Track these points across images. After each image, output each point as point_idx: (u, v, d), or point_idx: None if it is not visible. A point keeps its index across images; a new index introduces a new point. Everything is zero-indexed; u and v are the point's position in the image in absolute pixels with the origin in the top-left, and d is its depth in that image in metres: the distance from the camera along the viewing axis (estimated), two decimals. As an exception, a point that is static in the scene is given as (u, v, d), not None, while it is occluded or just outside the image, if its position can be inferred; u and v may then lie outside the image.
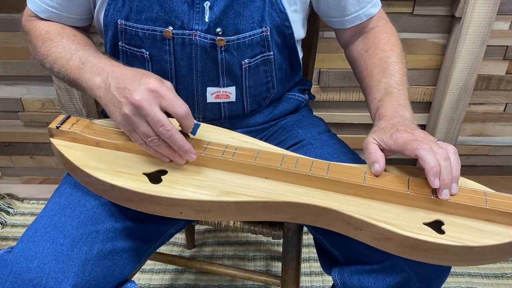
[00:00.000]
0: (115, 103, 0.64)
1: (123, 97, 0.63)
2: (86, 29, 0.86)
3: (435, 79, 1.36)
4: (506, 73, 1.35)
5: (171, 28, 0.75)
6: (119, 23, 0.77)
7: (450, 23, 1.27)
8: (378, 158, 0.65)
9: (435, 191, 0.62)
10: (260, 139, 0.83)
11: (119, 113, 0.63)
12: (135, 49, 0.79)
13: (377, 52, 0.81)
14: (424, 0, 1.23)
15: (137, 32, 0.77)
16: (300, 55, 0.90)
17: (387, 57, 0.80)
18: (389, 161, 0.67)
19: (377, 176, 0.65)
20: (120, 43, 0.79)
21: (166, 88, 0.64)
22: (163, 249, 1.34)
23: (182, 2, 0.74)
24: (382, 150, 0.67)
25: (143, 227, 0.75)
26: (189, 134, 0.68)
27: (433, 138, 0.65)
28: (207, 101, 0.82)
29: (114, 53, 0.82)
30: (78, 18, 0.82)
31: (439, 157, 0.61)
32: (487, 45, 1.25)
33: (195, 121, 0.67)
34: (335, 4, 0.83)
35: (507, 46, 1.30)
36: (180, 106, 0.63)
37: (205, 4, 0.75)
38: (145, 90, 0.62)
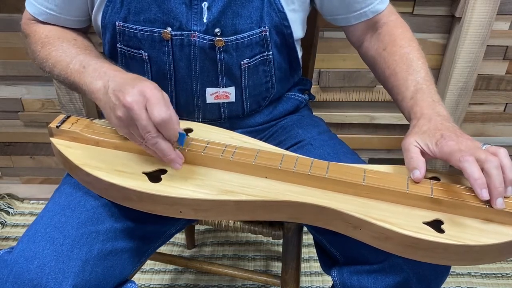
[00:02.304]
0: (111, 106, 0.64)
1: (118, 99, 0.63)
2: (85, 30, 0.85)
3: (435, 79, 1.36)
4: (506, 73, 1.35)
5: (169, 29, 0.75)
6: (117, 24, 0.77)
7: (450, 23, 1.27)
8: (419, 165, 0.64)
9: (433, 191, 0.62)
10: (260, 139, 0.83)
11: (114, 115, 0.64)
12: (133, 50, 0.79)
13: (396, 49, 0.80)
14: (424, 0, 1.23)
15: (135, 34, 0.77)
16: (300, 54, 0.89)
17: (407, 53, 0.79)
18: (389, 161, 0.67)
19: (417, 183, 0.64)
20: (118, 45, 0.79)
21: (155, 93, 0.62)
22: (163, 249, 1.34)
23: (180, 3, 0.74)
24: (423, 154, 0.65)
25: (143, 227, 0.75)
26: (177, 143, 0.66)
27: (479, 145, 0.63)
28: (207, 102, 0.82)
29: (112, 54, 0.82)
30: (76, 20, 0.82)
31: (490, 165, 0.59)
32: (487, 45, 1.25)
33: (181, 131, 0.65)
34: (340, 1, 0.82)
35: (507, 46, 1.30)
36: (158, 112, 0.60)
37: (203, 5, 0.75)
38: (137, 92, 0.61)
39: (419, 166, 0.64)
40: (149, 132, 0.61)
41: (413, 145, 0.66)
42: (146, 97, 0.61)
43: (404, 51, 0.79)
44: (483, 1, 1.17)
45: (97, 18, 0.80)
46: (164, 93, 0.64)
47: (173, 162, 0.65)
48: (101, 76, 0.68)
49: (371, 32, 0.85)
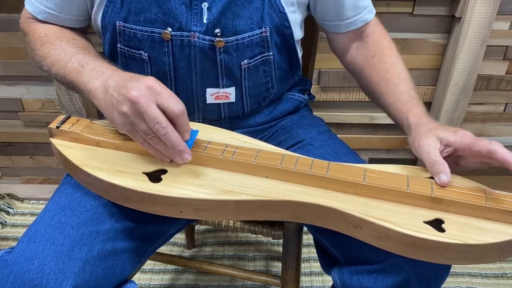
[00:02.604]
0: (113, 103, 0.64)
1: (121, 95, 0.62)
2: (85, 30, 0.85)
3: (435, 79, 1.36)
4: (506, 73, 1.35)
5: (169, 29, 0.75)
6: (117, 24, 0.77)
7: (450, 23, 1.27)
8: (445, 169, 0.64)
9: (434, 190, 0.62)
10: (260, 139, 0.83)
11: (118, 112, 0.63)
12: (133, 51, 0.79)
13: (385, 58, 0.82)
14: (424, 0, 1.23)
15: (135, 34, 0.77)
16: (300, 53, 0.89)
17: (396, 63, 0.81)
18: (389, 161, 0.67)
19: (443, 187, 0.64)
20: (118, 45, 0.79)
21: (164, 87, 0.63)
22: (163, 249, 1.34)
23: (180, 3, 0.74)
24: (441, 151, 0.66)
25: (143, 227, 0.74)
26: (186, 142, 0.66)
27: None
28: (207, 102, 0.82)
29: (112, 55, 0.82)
30: (75, 19, 0.82)
31: None
32: (487, 45, 1.25)
33: (192, 128, 0.66)
34: (332, 7, 0.83)
35: (507, 46, 1.30)
36: (176, 104, 0.62)
37: (203, 5, 0.75)
38: (143, 86, 0.62)
39: (445, 170, 0.64)
40: (159, 123, 0.61)
41: (432, 146, 0.66)
42: (157, 91, 0.62)
43: (394, 61, 0.82)
44: (483, 1, 1.17)
45: (97, 18, 0.80)
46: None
47: (183, 153, 0.65)
48: (99, 75, 0.68)
49: (357, 41, 0.87)
